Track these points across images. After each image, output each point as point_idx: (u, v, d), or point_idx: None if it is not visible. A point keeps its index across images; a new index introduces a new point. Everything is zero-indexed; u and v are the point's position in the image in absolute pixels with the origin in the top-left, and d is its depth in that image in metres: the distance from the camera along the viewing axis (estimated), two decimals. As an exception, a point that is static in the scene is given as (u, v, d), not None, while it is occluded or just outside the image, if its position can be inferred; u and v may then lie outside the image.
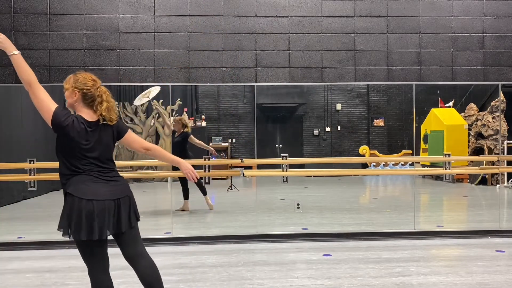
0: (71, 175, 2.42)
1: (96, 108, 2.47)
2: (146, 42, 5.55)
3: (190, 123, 12.91)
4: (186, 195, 7.13)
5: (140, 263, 2.64)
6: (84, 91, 2.45)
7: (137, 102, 6.45)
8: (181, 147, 7.00)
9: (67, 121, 2.39)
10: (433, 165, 10.07)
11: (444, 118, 11.83)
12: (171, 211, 6.72)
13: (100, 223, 2.40)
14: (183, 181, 7.06)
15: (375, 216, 6.91)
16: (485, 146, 11.20)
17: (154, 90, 6.54)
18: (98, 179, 2.45)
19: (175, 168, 6.43)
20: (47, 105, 2.37)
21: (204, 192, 7.13)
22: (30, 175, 5.26)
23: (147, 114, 12.25)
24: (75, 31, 5.48)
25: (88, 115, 2.48)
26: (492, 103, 11.15)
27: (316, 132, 14.94)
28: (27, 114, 8.55)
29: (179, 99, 12.21)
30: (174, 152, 6.94)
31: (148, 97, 6.77)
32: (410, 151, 13.73)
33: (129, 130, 2.68)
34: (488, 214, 7.05)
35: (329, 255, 4.64)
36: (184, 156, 6.82)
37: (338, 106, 14.95)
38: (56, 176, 2.66)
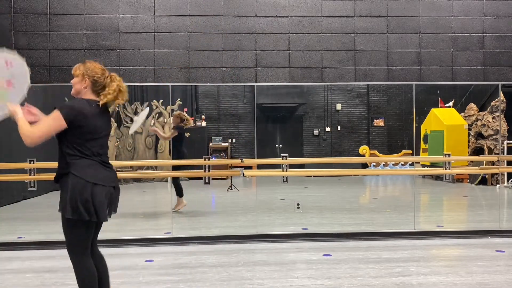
0: (76, 158, 2.47)
1: (107, 90, 2.58)
2: (146, 42, 5.55)
3: (190, 123, 12.90)
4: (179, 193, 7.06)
5: (96, 253, 2.72)
6: (95, 78, 2.58)
7: (133, 129, 6.49)
8: (176, 141, 6.91)
9: (79, 107, 2.47)
10: (433, 165, 10.08)
11: (444, 118, 11.83)
12: (171, 211, 6.72)
13: (104, 206, 2.50)
14: (174, 180, 6.99)
15: (375, 216, 6.91)
16: (485, 146, 11.20)
17: (143, 113, 6.55)
18: (100, 165, 2.54)
19: (175, 168, 6.47)
20: (53, 123, 2.41)
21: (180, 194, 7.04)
22: (30, 175, 5.25)
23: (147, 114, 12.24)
24: (75, 31, 5.48)
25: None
26: (492, 103, 11.15)
27: (316, 132, 14.94)
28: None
29: (179, 99, 12.21)
30: (173, 146, 6.88)
31: (141, 122, 6.74)
32: (410, 151, 13.74)
33: None
34: (488, 214, 7.05)
35: (329, 255, 4.64)
36: (178, 151, 6.76)
37: (338, 106, 14.95)
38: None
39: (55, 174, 2.56)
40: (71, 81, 2.61)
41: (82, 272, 2.52)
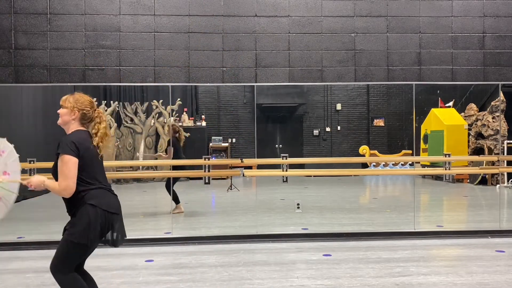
0: (87, 188, 2.53)
1: (94, 128, 2.65)
2: (146, 42, 5.55)
3: (190, 123, 12.91)
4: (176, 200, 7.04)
5: (82, 270, 2.74)
6: (84, 112, 2.63)
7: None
8: (173, 151, 6.95)
9: (77, 140, 2.52)
10: (433, 165, 10.07)
11: (444, 118, 11.83)
12: (171, 211, 6.72)
13: (104, 231, 2.58)
14: (168, 187, 6.98)
15: (375, 216, 6.91)
16: (485, 146, 11.20)
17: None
18: (109, 192, 2.63)
19: (175, 168, 6.48)
20: (69, 167, 2.46)
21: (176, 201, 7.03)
22: (30, 175, 5.25)
23: (147, 114, 12.25)
24: (75, 31, 5.48)
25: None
26: (492, 103, 11.15)
27: (316, 132, 14.94)
28: (27, 114, 8.54)
29: (179, 99, 12.21)
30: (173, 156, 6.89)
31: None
32: (410, 151, 13.73)
33: None
34: (488, 214, 7.05)
35: (329, 255, 4.64)
36: (176, 158, 6.78)
37: (338, 106, 14.95)
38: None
39: (66, 206, 2.60)
40: (59, 111, 2.64)
41: (72, 285, 2.54)
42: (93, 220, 2.48)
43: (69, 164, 2.45)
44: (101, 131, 2.63)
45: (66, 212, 2.60)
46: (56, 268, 2.53)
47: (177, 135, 7.09)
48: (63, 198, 2.56)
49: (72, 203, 2.54)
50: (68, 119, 2.62)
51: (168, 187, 6.86)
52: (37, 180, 2.49)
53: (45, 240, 5.03)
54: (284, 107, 14.62)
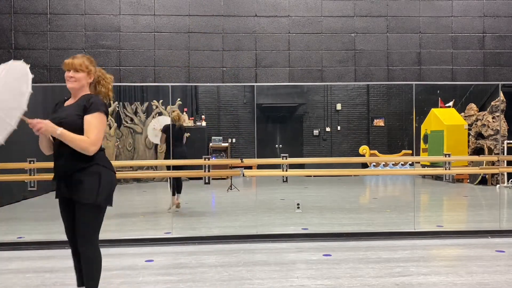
0: (100, 151, 2.58)
1: (103, 88, 2.72)
2: (146, 42, 5.55)
3: (190, 123, 12.90)
4: (174, 191, 7.07)
5: None
6: (98, 73, 2.70)
7: (155, 140, 6.66)
8: (172, 139, 6.88)
9: (105, 103, 2.66)
10: (433, 165, 10.08)
11: (444, 118, 11.83)
12: (172, 211, 6.72)
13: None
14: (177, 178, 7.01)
15: (375, 216, 6.91)
16: (485, 146, 11.20)
17: (162, 119, 6.63)
18: None
19: (175, 168, 6.47)
20: (103, 126, 2.52)
21: (178, 191, 7.06)
22: (30, 175, 5.25)
23: (147, 114, 12.25)
24: (75, 31, 5.48)
25: None
26: (492, 103, 11.15)
27: (316, 132, 14.94)
28: (26, 113, 8.51)
29: (179, 99, 12.20)
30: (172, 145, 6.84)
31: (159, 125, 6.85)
32: (410, 151, 13.73)
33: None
34: (488, 214, 7.04)
35: (329, 255, 4.64)
36: (174, 151, 6.72)
37: (338, 106, 14.95)
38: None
39: (69, 168, 2.56)
40: (72, 75, 2.57)
41: (98, 259, 2.59)
42: (108, 181, 2.55)
43: (104, 123, 2.51)
44: (108, 91, 2.72)
45: (63, 178, 2.55)
46: (88, 240, 2.54)
47: (174, 119, 6.98)
48: (66, 160, 2.49)
49: (83, 163, 2.50)
50: (85, 82, 2.63)
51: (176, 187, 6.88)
52: (51, 126, 2.41)
53: (45, 240, 5.03)
54: (284, 107, 14.62)
